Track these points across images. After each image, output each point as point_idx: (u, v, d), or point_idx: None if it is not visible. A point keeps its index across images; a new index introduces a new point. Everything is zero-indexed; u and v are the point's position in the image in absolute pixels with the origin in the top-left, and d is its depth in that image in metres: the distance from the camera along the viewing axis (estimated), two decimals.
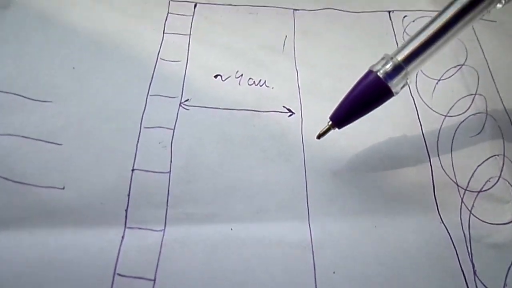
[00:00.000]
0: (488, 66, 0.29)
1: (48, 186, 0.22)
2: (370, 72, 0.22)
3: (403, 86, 0.22)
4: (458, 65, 0.29)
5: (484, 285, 0.21)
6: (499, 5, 0.22)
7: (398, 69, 0.21)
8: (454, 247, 0.22)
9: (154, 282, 0.20)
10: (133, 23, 0.29)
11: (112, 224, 0.21)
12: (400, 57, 0.21)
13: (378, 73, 0.21)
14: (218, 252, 0.21)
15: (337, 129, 0.23)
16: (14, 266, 0.19)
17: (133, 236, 0.21)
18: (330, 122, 0.23)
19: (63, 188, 0.22)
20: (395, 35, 0.31)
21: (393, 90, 0.21)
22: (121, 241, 0.21)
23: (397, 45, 0.30)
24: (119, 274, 0.20)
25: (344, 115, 0.22)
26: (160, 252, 0.20)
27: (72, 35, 0.28)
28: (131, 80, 0.26)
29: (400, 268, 0.21)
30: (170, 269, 0.20)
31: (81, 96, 0.25)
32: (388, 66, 0.21)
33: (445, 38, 0.21)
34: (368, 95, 0.22)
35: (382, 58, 0.22)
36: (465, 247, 0.22)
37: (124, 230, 0.21)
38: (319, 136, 0.23)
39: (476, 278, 0.21)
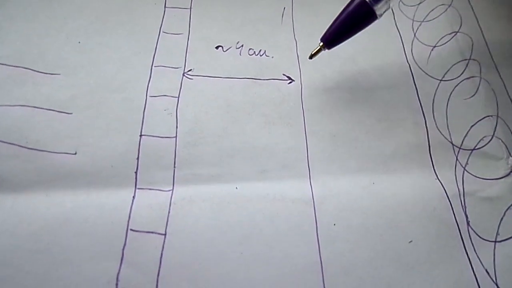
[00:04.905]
0: (482, 33, 0.30)
1: (61, 152, 0.23)
2: None
3: (386, 10, 0.24)
4: (453, 32, 0.30)
5: (477, 234, 0.22)
6: None
7: None
8: (449, 201, 0.23)
9: (165, 236, 0.21)
10: None
11: (123, 185, 0.22)
12: None
13: None
14: (224, 209, 0.22)
15: (327, 49, 0.25)
16: (33, 224, 0.20)
17: (144, 196, 0.22)
18: (321, 43, 0.24)
19: (75, 154, 0.23)
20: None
21: (377, 13, 0.23)
22: (132, 200, 0.22)
23: (393, 14, 0.31)
24: (132, 230, 0.21)
25: (333, 35, 0.24)
26: (169, 209, 0.22)
27: (76, 12, 0.29)
28: (135, 53, 0.27)
29: (397, 220, 0.22)
30: (179, 224, 0.21)
31: (88, 69, 0.26)
32: None
33: None
34: (355, 17, 0.24)
35: None
36: (459, 200, 0.23)
37: (135, 190, 0.22)
38: (311, 56, 0.25)
39: (470, 228, 0.22)
